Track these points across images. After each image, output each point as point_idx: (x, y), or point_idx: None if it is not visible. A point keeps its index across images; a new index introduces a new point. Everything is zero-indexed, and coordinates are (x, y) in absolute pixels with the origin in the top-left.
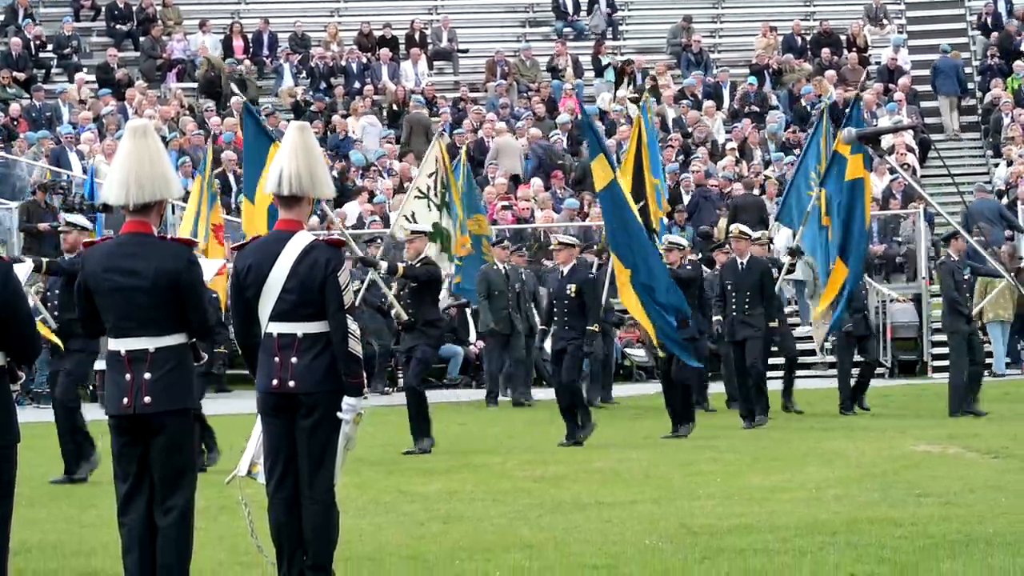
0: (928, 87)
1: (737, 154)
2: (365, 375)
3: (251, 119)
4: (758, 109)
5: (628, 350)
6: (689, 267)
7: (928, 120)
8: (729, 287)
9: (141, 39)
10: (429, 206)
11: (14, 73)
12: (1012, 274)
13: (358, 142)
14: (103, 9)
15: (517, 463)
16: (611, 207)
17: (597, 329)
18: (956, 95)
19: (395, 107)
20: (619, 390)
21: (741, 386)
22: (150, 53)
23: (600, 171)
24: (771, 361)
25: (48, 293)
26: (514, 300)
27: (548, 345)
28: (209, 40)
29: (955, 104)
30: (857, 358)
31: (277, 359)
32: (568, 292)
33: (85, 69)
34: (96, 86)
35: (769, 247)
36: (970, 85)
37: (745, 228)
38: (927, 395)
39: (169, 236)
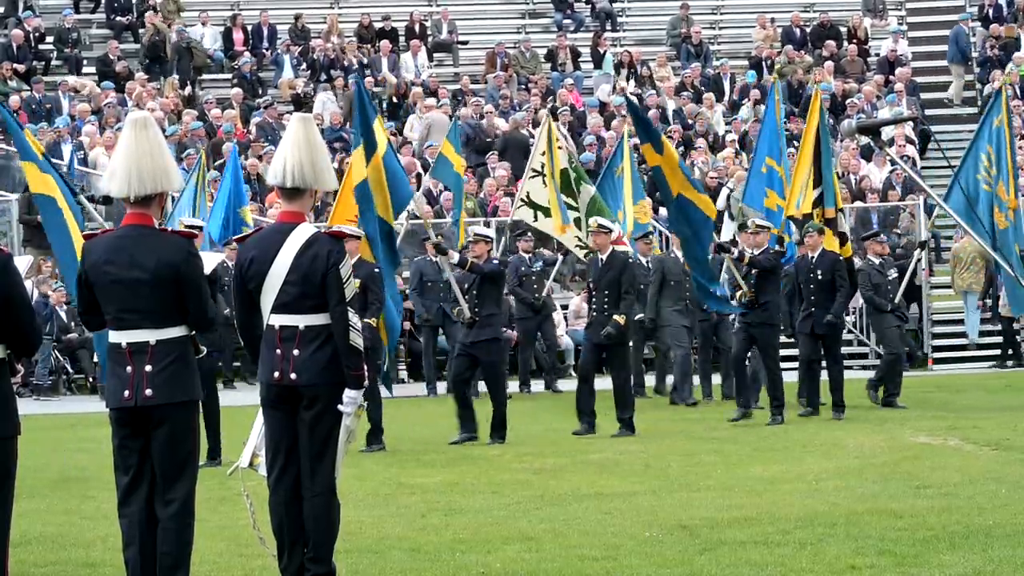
0: (928, 79)
1: (737, 146)
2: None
3: None
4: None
5: None
6: (495, 262)
7: (928, 112)
8: (590, 285)
9: (141, 31)
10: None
11: (14, 65)
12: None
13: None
14: (103, 1)
15: (516, 455)
16: (363, 202)
17: (375, 323)
18: (961, 64)
19: (394, 99)
20: None
21: (580, 390)
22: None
23: (357, 163)
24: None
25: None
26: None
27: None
28: (209, 31)
29: (961, 73)
30: None
31: (279, 351)
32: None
33: (85, 62)
34: (96, 79)
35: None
36: (975, 61)
37: (604, 221)
38: (927, 386)
39: (171, 228)
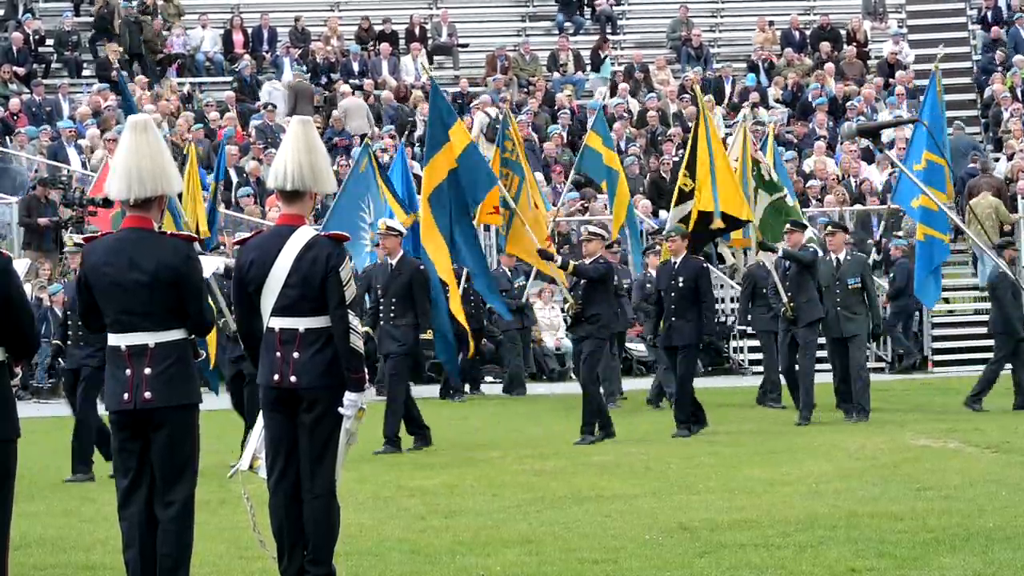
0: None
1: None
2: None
3: None
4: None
5: (628, 345)
6: None
7: None
8: (379, 291)
9: (90, 7)
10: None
11: (14, 68)
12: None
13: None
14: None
15: (517, 457)
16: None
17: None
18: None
19: (395, 102)
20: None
21: (391, 402)
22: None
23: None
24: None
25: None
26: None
27: None
28: (209, 34)
29: None
30: None
31: (279, 354)
32: None
33: (85, 64)
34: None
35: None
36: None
37: (394, 223)
38: (927, 389)
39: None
